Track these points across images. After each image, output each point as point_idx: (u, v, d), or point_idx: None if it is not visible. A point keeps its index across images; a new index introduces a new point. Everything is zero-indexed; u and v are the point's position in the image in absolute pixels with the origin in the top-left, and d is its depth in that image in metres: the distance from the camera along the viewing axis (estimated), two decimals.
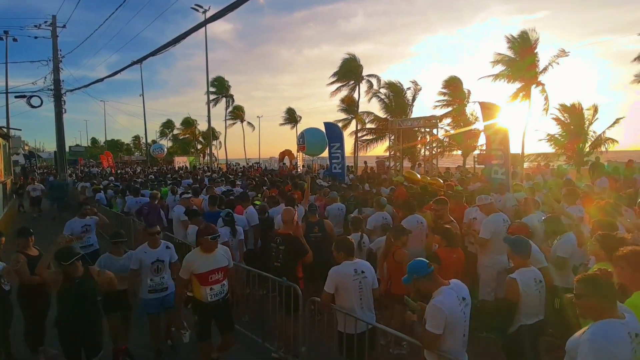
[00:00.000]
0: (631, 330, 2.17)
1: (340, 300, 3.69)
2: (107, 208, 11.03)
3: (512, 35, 20.30)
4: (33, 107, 16.24)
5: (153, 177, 19.51)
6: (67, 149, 22.70)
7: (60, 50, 16.98)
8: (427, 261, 3.00)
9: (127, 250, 4.84)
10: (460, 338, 2.87)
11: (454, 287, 2.92)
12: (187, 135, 49.85)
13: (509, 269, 3.79)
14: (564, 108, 20.07)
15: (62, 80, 16.99)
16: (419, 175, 12.17)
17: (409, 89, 26.35)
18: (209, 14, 23.73)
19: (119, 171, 29.03)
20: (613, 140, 19.28)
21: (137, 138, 66.91)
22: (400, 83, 26.48)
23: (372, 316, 3.79)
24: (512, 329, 3.37)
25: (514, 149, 16.29)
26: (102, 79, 17.53)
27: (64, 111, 17.12)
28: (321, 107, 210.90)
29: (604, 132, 19.28)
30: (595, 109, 19.57)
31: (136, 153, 66.67)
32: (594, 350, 2.07)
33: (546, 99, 20.11)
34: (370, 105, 29.10)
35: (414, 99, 26.46)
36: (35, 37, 17.22)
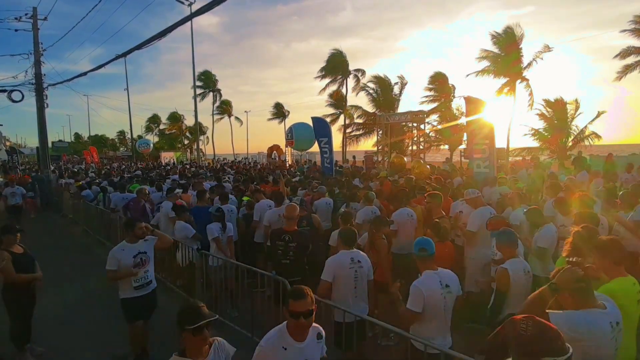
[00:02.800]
0: (612, 320, 2.24)
1: (335, 288, 3.74)
2: (92, 204, 10.89)
3: (496, 32, 20.55)
4: (14, 101, 15.89)
5: (140, 172, 19.24)
6: (49, 145, 22.24)
7: (42, 44, 16.59)
8: (431, 246, 3.20)
9: (212, 341, 2.52)
10: (439, 320, 3.08)
11: (440, 273, 3.14)
12: (174, 131, 49.27)
13: (497, 260, 3.87)
14: (547, 103, 20.43)
15: (43, 74, 16.61)
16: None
17: (396, 83, 26.55)
18: (195, 7, 23.40)
19: (104, 167, 28.55)
20: (596, 135, 19.68)
21: (122, 133, 65.77)
22: (387, 77, 26.65)
23: (365, 307, 3.86)
24: (499, 318, 3.46)
25: (500, 143, 16.55)
26: (85, 73, 17.27)
27: (46, 106, 16.77)
28: (309, 101, 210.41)
29: (586, 126, 19.70)
30: (578, 104, 19.97)
31: (121, 148, 65.55)
32: (565, 323, 2.09)
33: (530, 94, 20.50)
34: (358, 99, 29.38)
35: (400, 93, 26.68)
36: (16, 30, 16.76)
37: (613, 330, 2.21)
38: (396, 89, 26.68)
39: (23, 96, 16.06)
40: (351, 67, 27.64)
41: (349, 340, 3.63)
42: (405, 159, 15.21)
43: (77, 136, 75.53)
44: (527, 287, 3.54)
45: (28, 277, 4.46)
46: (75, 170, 23.74)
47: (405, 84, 26.53)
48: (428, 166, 10.89)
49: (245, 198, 7.92)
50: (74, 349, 4.83)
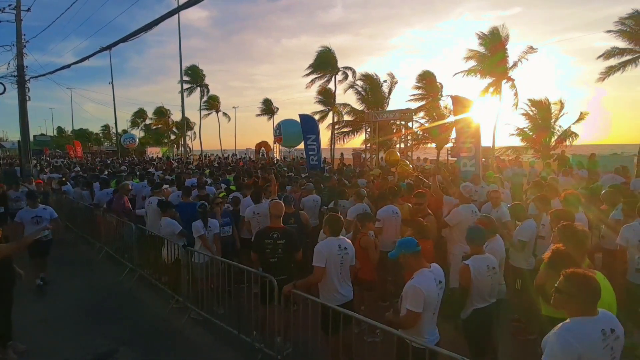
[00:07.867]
0: (605, 327, 2.12)
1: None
2: (73, 200, 10.68)
3: (482, 32, 20.74)
4: None
5: (125, 167, 18.86)
6: (31, 139, 21.74)
7: (25, 35, 16.16)
8: (417, 241, 3.22)
9: None
10: (431, 316, 3.13)
11: (434, 270, 3.19)
12: (160, 126, 48.59)
13: (464, 255, 3.94)
14: (532, 102, 20.75)
15: (26, 66, 16.20)
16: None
17: (385, 81, 26.61)
18: (182, 0, 23.06)
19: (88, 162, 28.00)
20: (576, 135, 20.08)
21: (106, 127, 64.49)
22: (376, 75, 26.72)
23: (350, 289, 4.03)
24: (466, 313, 3.59)
25: (486, 142, 16.79)
26: (69, 66, 16.85)
27: (28, 99, 16.38)
28: (298, 98, 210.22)
29: (569, 126, 20.08)
30: (562, 104, 20.32)
31: (106, 143, 64.37)
32: (559, 346, 2.06)
33: (515, 94, 20.74)
34: (346, 97, 29.39)
35: (390, 92, 26.76)
36: None
37: (607, 338, 2.10)
38: (385, 88, 26.78)
39: (5, 89, 15.72)
40: (341, 65, 27.59)
41: (336, 325, 3.65)
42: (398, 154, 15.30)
43: (60, 130, 73.85)
44: (493, 283, 3.62)
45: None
46: (57, 164, 23.21)
47: (395, 82, 26.61)
48: (411, 165, 10.95)
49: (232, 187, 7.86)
50: (57, 347, 4.75)
